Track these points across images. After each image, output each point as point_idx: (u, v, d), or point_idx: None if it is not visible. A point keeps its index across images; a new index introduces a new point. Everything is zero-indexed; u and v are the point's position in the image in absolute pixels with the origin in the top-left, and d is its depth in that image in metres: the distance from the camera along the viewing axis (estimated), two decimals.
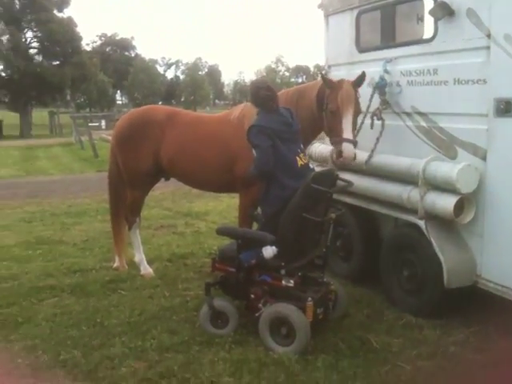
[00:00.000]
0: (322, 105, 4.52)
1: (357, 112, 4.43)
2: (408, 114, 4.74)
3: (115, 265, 5.90)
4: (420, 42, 4.68)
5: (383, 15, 4.96)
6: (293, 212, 3.89)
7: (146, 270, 5.71)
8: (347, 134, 4.28)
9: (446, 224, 4.34)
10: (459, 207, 4.12)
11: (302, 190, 3.88)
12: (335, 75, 5.67)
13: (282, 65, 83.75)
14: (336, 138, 4.36)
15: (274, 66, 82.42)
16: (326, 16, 5.80)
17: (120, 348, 3.98)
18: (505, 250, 3.93)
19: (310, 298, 3.91)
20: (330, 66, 5.86)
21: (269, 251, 3.97)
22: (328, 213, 4.18)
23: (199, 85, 74.10)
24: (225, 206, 9.85)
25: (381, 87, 4.86)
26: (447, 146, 4.36)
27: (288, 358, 3.73)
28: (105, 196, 8.81)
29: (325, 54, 5.95)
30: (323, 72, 5.93)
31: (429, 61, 4.46)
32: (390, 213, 4.76)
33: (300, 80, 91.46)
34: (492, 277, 4.07)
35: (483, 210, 4.09)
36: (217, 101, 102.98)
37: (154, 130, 5.20)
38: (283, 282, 3.98)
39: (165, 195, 10.75)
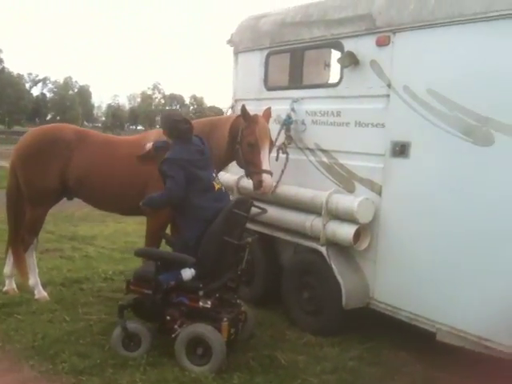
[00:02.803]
0: (235, 138, 4.77)
1: (271, 145, 4.79)
2: (311, 150, 5.20)
3: (5, 288, 5.60)
4: (326, 85, 5.20)
5: (292, 58, 5.42)
6: (215, 235, 4.10)
7: (41, 293, 5.49)
8: (266, 165, 4.59)
9: (343, 250, 4.82)
10: (356, 235, 4.60)
11: (223, 215, 4.11)
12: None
13: (159, 92, 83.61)
14: (254, 169, 4.63)
15: (150, 92, 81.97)
16: (236, 53, 6.16)
17: (30, 372, 3.88)
18: (395, 274, 4.47)
19: (225, 319, 4.11)
20: (236, 100, 6.19)
21: (187, 273, 4.13)
22: (242, 237, 4.45)
23: (69, 104, 71.21)
24: (111, 231, 9.72)
25: (287, 124, 5.28)
26: (346, 180, 4.86)
27: (205, 376, 3.88)
28: None
29: (232, 89, 6.28)
30: (231, 106, 6.30)
31: (333, 104, 4.97)
32: (293, 240, 5.14)
33: (173, 107, 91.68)
34: (383, 298, 4.59)
35: (377, 238, 4.62)
36: (85, 123, 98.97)
37: (62, 148, 5.12)
38: (200, 304, 4.13)
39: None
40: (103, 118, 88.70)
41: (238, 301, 4.51)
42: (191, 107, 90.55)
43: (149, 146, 4.87)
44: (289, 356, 4.37)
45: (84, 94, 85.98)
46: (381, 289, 4.61)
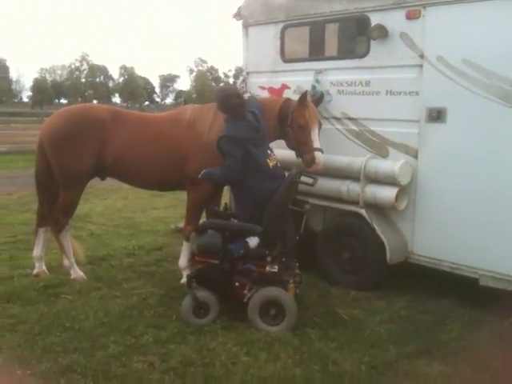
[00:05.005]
0: (285, 120, 4.98)
1: (320, 126, 5.03)
2: (338, 119, 5.48)
3: (36, 271, 5.58)
4: (352, 57, 5.43)
5: (312, 31, 5.63)
6: (280, 204, 4.33)
7: (78, 273, 5.50)
8: (317, 143, 4.86)
9: (381, 211, 5.19)
10: (395, 196, 4.97)
11: (287, 185, 4.35)
12: (255, 82, 6.24)
13: (88, 64, 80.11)
14: (306, 148, 4.88)
15: (78, 64, 78.43)
16: (246, 26, 6.26)
17: (116, 347, 3.93)
18: (434, 228, 4.91)
19: (291, 281, 4.40)
20: (248, 73, 6.34)
21: (253, 241, 4.37)
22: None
23: None
24: (102, 208, 9.63)
25: (312, 95, 5.51)
26: (379, 146, 5.20)
27: (283, 335, 4.15)
28: None
29: (243, 61, 6.41)
30: (242, 80, 6.42)
31: (361, 74, 5.25)
32: (332, 205, 5.44)
33: (98, 80, 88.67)
34: (424, 252, 5.02)
35: (414, 197, 5.02)
36: (4, 98, 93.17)
37: (98, 128, 5.11)
38: (267, 269, 4.38)
39: (28, 198, 9.97)
40: (26, 93, 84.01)
41: (297, 264, 4.80)
42: (121, 78, 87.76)
43: None
44: (346, 311, 4.73)
45: (1, 68, 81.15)
46: (420, 243, 5.03)
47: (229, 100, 4.57)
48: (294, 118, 4.91)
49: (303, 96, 4.88)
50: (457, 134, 4.68)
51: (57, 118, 5.33)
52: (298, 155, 5.04)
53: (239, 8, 6.36)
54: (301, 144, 4.93)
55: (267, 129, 4.85)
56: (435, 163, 4.85)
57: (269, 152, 4.64)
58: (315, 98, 5.20)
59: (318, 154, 4.82)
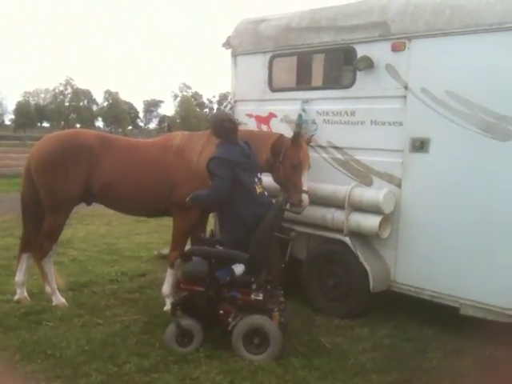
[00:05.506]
0: (277, 156, 5.04)
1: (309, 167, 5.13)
2: (323, 148, 5.56)
3: (17, 297, 5.49)
4: (338, 87, 5.53)
5: (300, 61, 5.74)
6: (267, 231, 4.34)
7: (59, 300, 5.44)
8: (306, 186, 4.95)
9: (365, 239, 5.24)
10: (379, 225, 5.03)
11: (275, 212, 4.37)
12: (242, 110, 6.32)
13: (72, 88, 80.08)
14: (295, 188, 4.95)
15: (62, 88, 78.40)
16: (235, 55, 6.36)
17: (98, 376, 3.89)
18: (417, 257, 4.95)
19: (276, 309, 4.39)
20: (236, 101, 6.42)
21: (239, 268, 4.36)
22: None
23: None
24: (84, 234, 9.53)
25: (299, 124, 5.60)
26: (363, 175, 5.27)
27: (267, 363, 4.12)
28: None
29: (231, 90, 6.50)
30: (230, 108, 6.50)
31: (346, 104, 5.35)
32: (317, 232, 5.47)
33: (81, 104, 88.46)
34: (406, 280, 5.06)
35: (397, 227, 5.08)
36: None
37: (86, 154, 5.11)
38: (252, 296, 4.37)
39: (11, 223, 9.85)
40: (8, 116, 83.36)
41: (282, 292, 4.79)
42: (106, 102, 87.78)
43: None
44: (329, 339, 4.72)
45: None
46: (403, 272, 5.07)
47: (223, 124, 4.63)
48: (287, 156, 4.98)
49: (297, 136, 4.99)
50: (440, 164, 4.76)
51: (46, 143, 5.31)
52: (283, 191, 5.07)
53: (228, 37, 6.47)
54: (290, 182, 5.00)
55: (258, 160, 4.89)
56: (418, 193, 4.92)
57: (256, 180, 4.67)
58: (307, 138, 5.28)
59: (305, 197, 4.92)
